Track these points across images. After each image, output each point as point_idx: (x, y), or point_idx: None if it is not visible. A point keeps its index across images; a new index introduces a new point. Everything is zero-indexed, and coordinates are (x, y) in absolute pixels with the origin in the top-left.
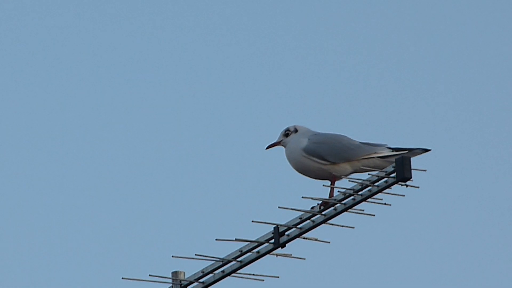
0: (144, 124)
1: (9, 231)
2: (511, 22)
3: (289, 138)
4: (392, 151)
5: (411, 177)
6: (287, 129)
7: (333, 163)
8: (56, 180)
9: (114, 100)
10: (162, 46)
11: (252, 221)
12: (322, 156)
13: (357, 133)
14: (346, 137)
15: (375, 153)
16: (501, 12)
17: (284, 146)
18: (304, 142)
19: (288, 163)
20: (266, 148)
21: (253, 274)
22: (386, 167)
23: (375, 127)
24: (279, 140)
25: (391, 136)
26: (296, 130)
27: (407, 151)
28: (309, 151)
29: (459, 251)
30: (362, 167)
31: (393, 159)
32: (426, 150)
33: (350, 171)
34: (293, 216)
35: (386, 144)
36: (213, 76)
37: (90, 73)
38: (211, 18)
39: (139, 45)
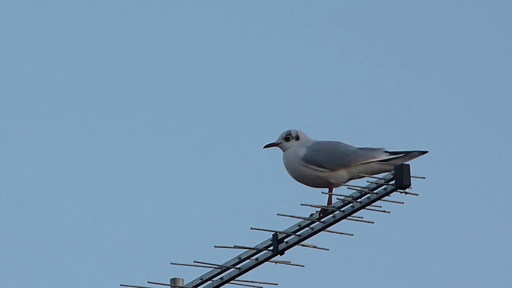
0: (141, 129)
1: (8, 236)
2: (508, 21)
3: (289, 143)
4: (390, 154)
5: (410, 185)
6: (289, 133)
7: (331, 170)
8: (54, 185)
9: (110, 107)
10: (161, 44)
11: (251, 228)
12: (319, 164)
13: (353, 137)
14: (343, 143)
15: (373, 157)
16: (498, 11)
17: (283, 150)
18: (303, 151)
19: (286, 170)
20: (264, 147)
21: (252, 281)
22: (385, 170)
23: (371, 131)
24: (278, 142)
25: (388, 139)
26: (298, 137)
27: (404, 154)
28: (307, 159)
29: (458, 259)
30: (360, 174)
31: (391, 162)
32: (424, 152)
33: (348, 178)
34: (292, 223)
35: (383, 148)
36: (210, 82)
37: (88, 73)
38: (211, 18)
39: (134, 42)
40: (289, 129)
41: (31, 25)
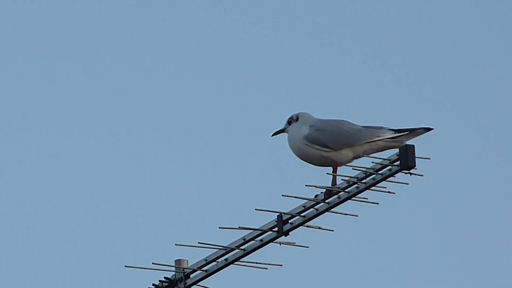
0: (144, 114)
1: (10, 220)
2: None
3: (292, 126)
4: (394, 132)
5: (415, 165)
6: (290, 117)
7: (335, 149)
8: (57, 169)
9: (112, 89)
10: (155, 29)
11: (256, 209)
12: (323, 143)
13: (358, 116)
14: (348, 122)
15: (377, 136)
16: None
17: (288, 133)
18: (306, 130)
19: (291, 151)
20: (272, 135)
21: (257, 262)
22: (391, 147)
23: (376, 109)
24: (284, 128)
25: (392, 118)
26: (297, 119)
27: (409, 132)
28: (311, 139)
29: (462, 239)
30: (364, 153)
31: (397, 139)
32: (428, 130)
33: (352, 157)
34: (296, 204)
35: (387, 126)
36: (216, 65)
37: (88, 72)
38: (210, 7)
39: (133, 41)
40: (293, 113)
41: (31, 25)
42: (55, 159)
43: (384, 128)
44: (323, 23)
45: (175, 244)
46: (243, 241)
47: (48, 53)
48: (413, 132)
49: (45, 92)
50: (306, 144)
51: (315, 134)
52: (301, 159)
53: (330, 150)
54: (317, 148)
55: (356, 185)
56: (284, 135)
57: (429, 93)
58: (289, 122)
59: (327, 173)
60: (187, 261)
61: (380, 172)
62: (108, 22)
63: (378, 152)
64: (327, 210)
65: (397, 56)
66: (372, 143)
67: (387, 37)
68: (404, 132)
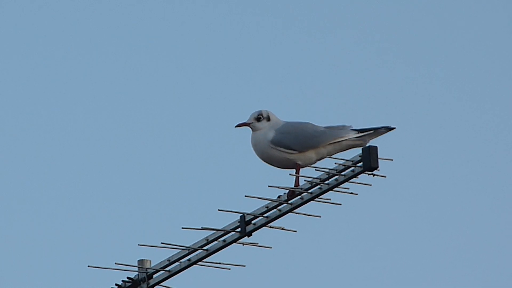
0: (117, 115)
1: None
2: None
3: (260, 124)
4: (357, 132)
5: (377, 167)
6: (260, 113)
7: (300, 151)
8: (25, 164)
9: (101, 85)
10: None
11: (218, 210)
12: (288, 146)
13: (321, 116)
14: (311, 124)
15: (341, 137)
16: None
17: (253, 130)
18: (271, 134)
19: (253, 151)
20: (236, 126)
21: (220, 263)
22: (354, 146)
23: (338, 108)
24: (249, 122)
25: (355, 117)
26: (268, 118)
27: (372, 131)
28: (276, 142)
29: (425, 240)
30: (328, 154)
31: (360, 138)
32: (391, 129)
33: (316, 159)
34: (259, 205)
35: (350, 126)
36: (180, 63)
37: (88, 72)
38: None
39: (132, 39)
40: (258, 109)
41: (31, 25)
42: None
43: (346, 126)
44: (290, 21)
45: (138, 244)
46: (206, 241)
47: (48, 53)
48: (376, 131)
49: (45, 92)
50: (271, 147)
51: (280, 137)
52: (264, 161)
53: (295, 152)
54: (281, 151)
55: (319, 186)
56: (244, 133)
57: (391, 91)
58: (258, 118)
59: (290, 174)
60: (150, 261)
61: (343, 173)
62: (108, 22)
63: (341, 151)
64: (290, 211)
65: (360, 56)
66: (336, 144)
67: (348, 34)
68: (367, 131)
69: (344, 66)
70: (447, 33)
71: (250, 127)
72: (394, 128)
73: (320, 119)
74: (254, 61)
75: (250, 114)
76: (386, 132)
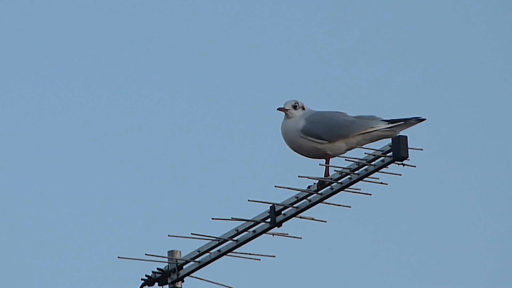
0: (138, 106)
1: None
2: None
3: (295, 112)
4: (388, 123)
5: (407, 156)
6: (296, 102)
7: (329, 141)
8: (50, 162)
9: (107, 84)
10: (143, 20)
11: (248, 200)
12: (318, 135)
13: (352, 106)
14: (342, 113)
15: (371, 127)
16: None
17: (288, 117)
18: (302, 123)
19: (283, 141)
20: (277, 109)
21: (249, 253)
22: (384, 137)
23: (370, 99)
24: (287, 108)
25: (386, 107)
26: (303, 108)
27: (402, 122)
28: (306, 131)
29: (455, 231)
30: (358, 145)
31: (390, 129)
32: (421, 120)
33: (346, 149)
34: (289, 195)
35: (380, 117)
36: (208, 59)
37: (88, 71)
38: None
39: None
40: (293, 99)
41: (32, 25)
42: (47, 152)
43: (377, 117)
44: (316, 12)
45: (168, 235)
46: (236, 232)
47: (48, 53)
48: (406, 122)
49: (45, 92)
50: (302, 137)
51: (310, 126)
52: (294, 150)
53: (325, 142)
54: (311, 140)
55: (349, 176)
56: (274, 124)
57: (422, 83)
58: (295, 106)
59: (319, 164)
60: (180, 252)
61: (372, 163)
62: (108, 22)
63: (371, 142)
64: (320, 201)
65: (391, 47)
66: (366, 134)
67: (379, 27)
68: (397, 122)
69: (374, 57)
70: (482, 23)
71: (287, 113)
72: (424, 119)
73: (350, 110)
74: (284, 56)
75: (284, 103)
76: (416, 123)
